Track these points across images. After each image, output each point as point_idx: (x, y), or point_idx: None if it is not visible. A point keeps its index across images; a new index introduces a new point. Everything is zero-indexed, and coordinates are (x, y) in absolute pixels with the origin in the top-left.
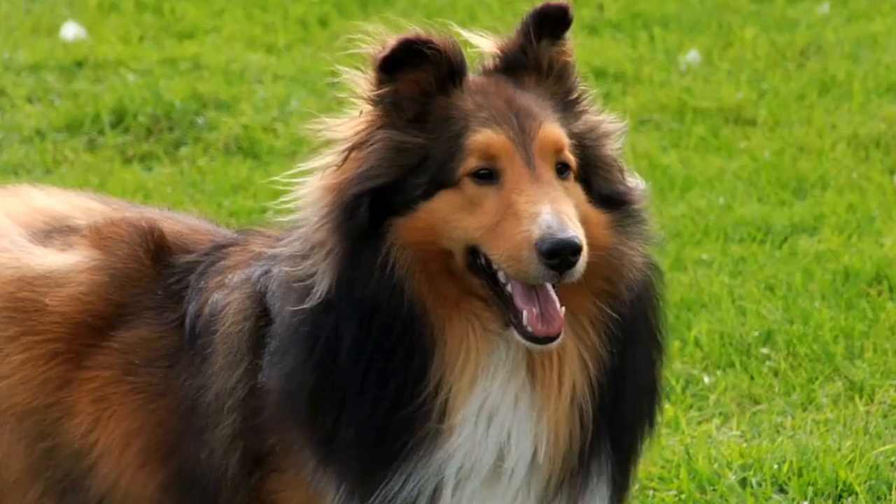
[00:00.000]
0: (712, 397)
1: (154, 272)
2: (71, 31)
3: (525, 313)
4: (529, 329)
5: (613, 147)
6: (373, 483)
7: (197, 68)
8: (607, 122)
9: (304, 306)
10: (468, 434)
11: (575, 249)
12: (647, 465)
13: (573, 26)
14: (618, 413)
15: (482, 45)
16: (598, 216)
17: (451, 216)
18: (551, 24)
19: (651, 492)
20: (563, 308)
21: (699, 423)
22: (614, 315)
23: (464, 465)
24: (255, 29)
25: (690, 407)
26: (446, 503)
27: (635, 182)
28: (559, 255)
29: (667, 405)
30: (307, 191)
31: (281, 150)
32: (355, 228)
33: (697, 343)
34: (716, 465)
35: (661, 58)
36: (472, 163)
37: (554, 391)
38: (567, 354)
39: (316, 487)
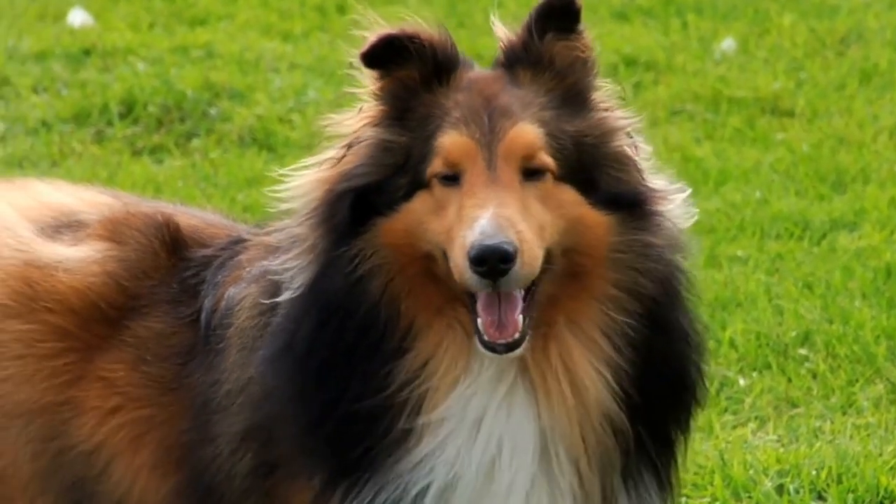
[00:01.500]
0: (748, 400)
1: (169, 265)
2: (78, 17)
3: (480, 319)
4: (484, 335)
5: (624, 144)
6: (348, 488)
7: (210, 56)
8: (617, 118)
9: (279, 299)
10: (446, 440)
11: (503, 257)
12: (681, 470)
13: (602, 14)
14: (654, 418)
15: (500, 35)
16: (597, 218)
17: (424, 218)
18: (556, 17)
19: (684, 499)
20: (525, 319)
21: (734, 427)
22: (628, 321)
23: (447, 474)
24: (271, 16)
25: (725, 410)
26: None
27: (662, 182)
28: (486, 262)
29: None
30: (300, 183)
31: (297, 141)
32: (338, 226)
33: (732, 344)
34: (751, 472)
35: (694, 45)
36: (437, 165)
37: (567, 403)
38: (575, 364)
39: (321, 494)
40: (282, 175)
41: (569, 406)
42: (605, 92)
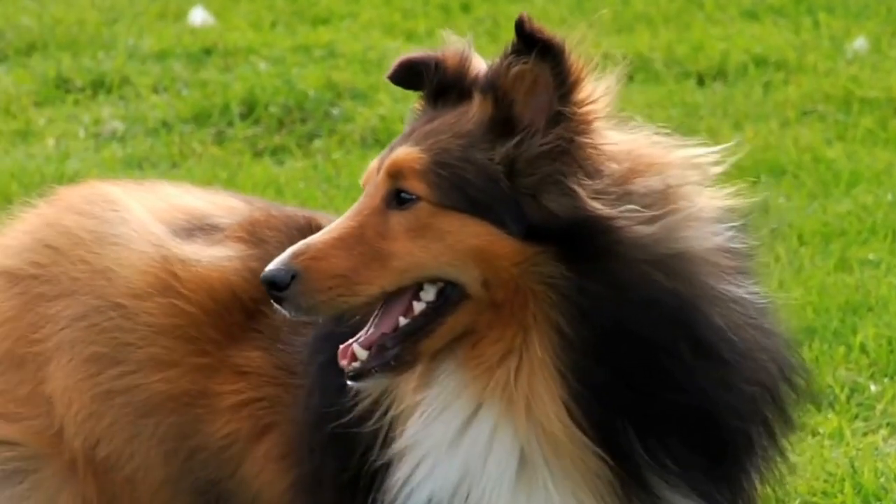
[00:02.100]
0: (879, 407)
1: None
2: (199, 16)
3: None
4: None
5: (560, 171)
6: None
7: (332, 56)
8: (556, 148)
9: None
10: (418, 465)
11: (270, 284)
12: (809, 478)
13: (731, 13)
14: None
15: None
16: (509, 248)
17: None
18: (517, 42)
19: None
20: (359, 348)
21: (865, 434)
22: (566, 352)
23: (425, 498)
24: (394, 14)
25: (856, 417)
26: None
27: (617, 210)
28: (265, 287)
29: (830, 415)
30: None
31: None
32: None
33: (863, 349)
34: (882, 479)
35: (826, 45)
36: None
37: (534, 431)
38: (525, 392)
39: None
40: None
41: (537, 435)
42: (582, 117)
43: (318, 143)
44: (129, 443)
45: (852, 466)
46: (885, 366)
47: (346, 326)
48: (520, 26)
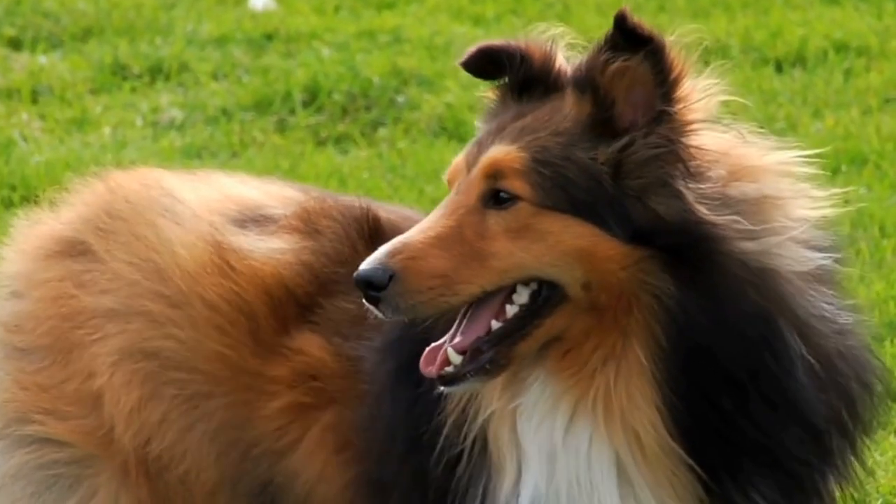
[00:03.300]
0: None
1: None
2: (260, 1)
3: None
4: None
5: (668, 174)
6: None
7: (397, 41)
8: (663, 149)
9: None
10: (521, 474)
11: (368, 282)
12: (892, 477)
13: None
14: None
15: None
16: (613, 251)
17: None
18: (614, 38)
19: None
20: (452, 351)
21: None
22: (660, 362)
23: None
24: None
25: None
26: None
27: (722, 217)
28: (359, 287)
29: None
30: None
31: None
32: None
33: None
34: None
35: None
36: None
37: (629, 443)
38: (622, 403)
39: None
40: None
41: (632, 447)
42: (684, 116)
43: (382, 132)
44: (182, 439)
45: None
46: None
47: (417, 331)
48: (621, 21)
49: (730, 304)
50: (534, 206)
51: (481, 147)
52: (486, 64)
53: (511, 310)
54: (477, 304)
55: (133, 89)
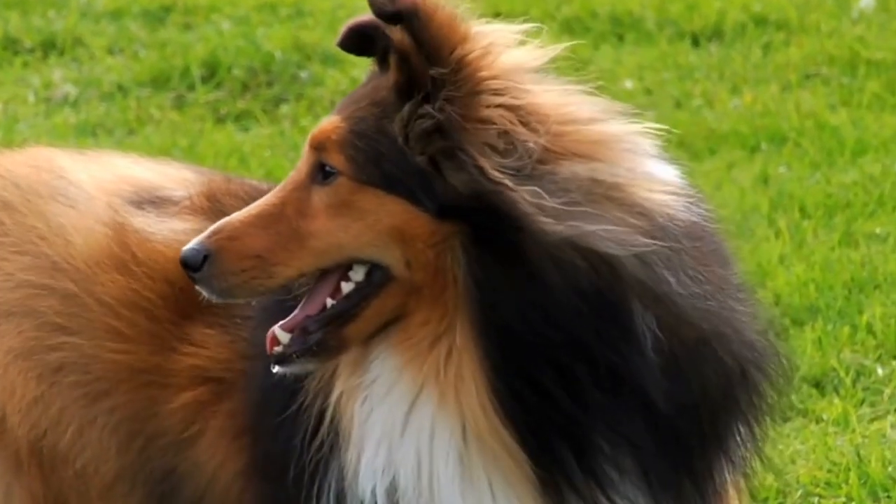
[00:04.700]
0: (887, 391)
1: None
2: None
3: None
4: None
5: (465, 141)
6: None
7: (300, 15)
8: (433, 116)
9: None
10: (374, 448)
11: (183, 264)
12: (812, 467)
13: None
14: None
15: None
16: (423, 226)
17: None
18: (379, 9)
19: (816, 498)
20: (282, 331)
21: (871, 420)
22: (487, 338)
23: (384, 479)
24: None
25: (862, 402)
26: None
27: (520, 192)
28: (182, 269)
29: (835, 400)
30: None
31: None
32: None
33: (870, 329)
34: (890, 469)
35: (829, 3)
36: None
37: (464, 420)
38: (454, 380)
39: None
40: None
41: (463, 421)
42: (456, 84)
43: (285, 109)
44: (81, 433)
45: (858, 455)
46: (893, 347)
47: (291, 299)
48: (370, 4)
49: (537, 284)
50: (352, 182)
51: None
52: (359, 41)
53: (346, 288)
54: (317, 282)
55: (25, 64)
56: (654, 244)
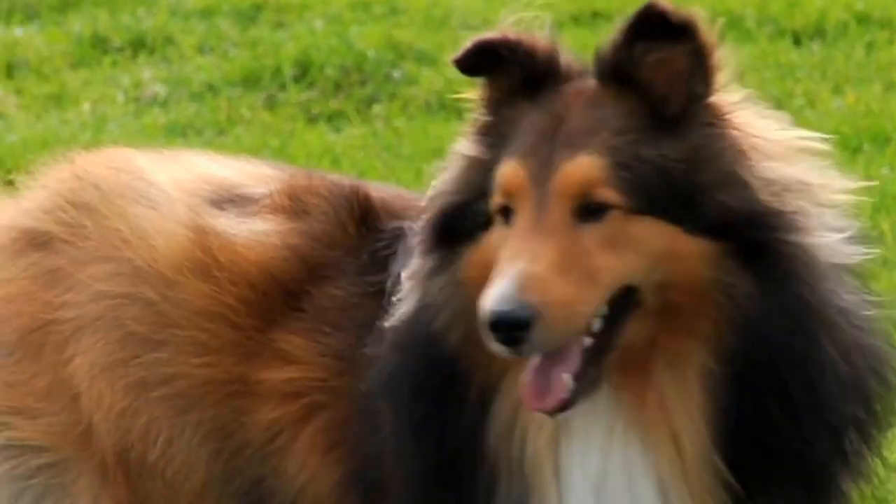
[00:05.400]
0: None
1: (358, 237)
2: None
3: (523, 381)
4: (524, 400)
5: (734, 163)
6: None
7: (393, 13)
8: (724, 135)
9: (390, 324)
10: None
11: (513, 324)
12: None
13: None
14: (764, 481)
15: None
16: (692, 247)
17: (494, 255)
18: (649, 26)
19: None
20: (568, 377)
21: None
22: (723, 366)
23: None
24: None
25: None
26: None
27: (794, 204)
28: (498, 329)
29: None
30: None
31: None
32: (431, 252)
33: None
34: None
35: None
36: (496, 198)
37: (672, 458)
38: (675, 412)
39: None
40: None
41: (675, 462)
42: (709, 110)
43: (378, 109)
44: (170, 443)
45: None
46: None
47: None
48: (651, 7)
49: (792, 301)
50: (624, 213)
51: (545, 157)
52: (484, 61)
53: (595, 323)
54: None
55: (114, 63)
56: (856, 249)
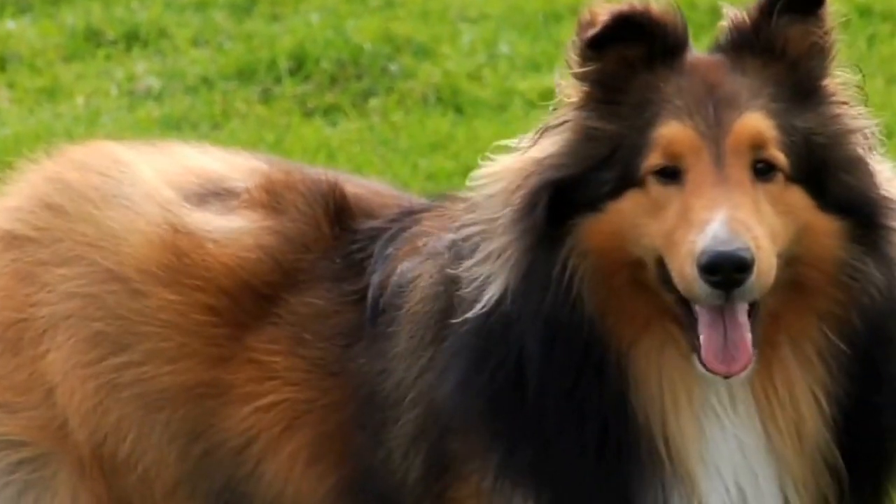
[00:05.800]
0: None
1: (332, 237)
2: None
3: (704, 343)
4: (706, 363)
5: (859, 146)
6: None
7: (390, 5)
8: (851, 115)
9: (469, 314)
10: (700, 488)
11: (739, 265)
12: None
13: None
14: (867, 460)
15: (729, 16)
16: (826, 224)
17: (638, 220)
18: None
19: None
20: (751, 339)
21: None
22: (844, 347)
23: None
24: None
25: None
26: None
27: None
28: (719, 270)
29: None
30: (494, 170)
31: (487, 101)
32: (535, 228)
33: None
34: None
35: None
36: (655, 159)
37: (792, 437)
38: (798, 390)
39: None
40: (476, 140)
41: (794, 441)
42: (841, 83)
43: (374, 102)
44: (140, 440)
45: None
46: None
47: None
48: None
49: (888, 281)
50: (785, 179)
51: (711, 117)
52: (624, 32)
53: None
54: None
55: (108, 56)
56: None
